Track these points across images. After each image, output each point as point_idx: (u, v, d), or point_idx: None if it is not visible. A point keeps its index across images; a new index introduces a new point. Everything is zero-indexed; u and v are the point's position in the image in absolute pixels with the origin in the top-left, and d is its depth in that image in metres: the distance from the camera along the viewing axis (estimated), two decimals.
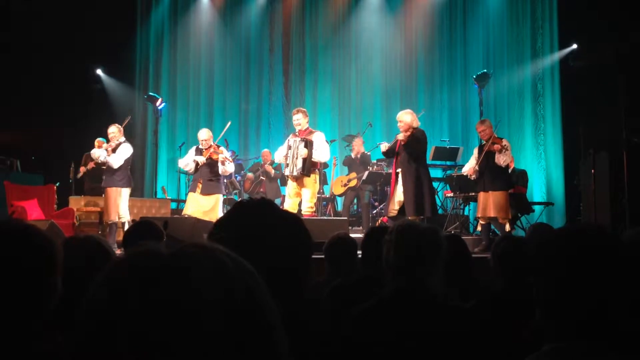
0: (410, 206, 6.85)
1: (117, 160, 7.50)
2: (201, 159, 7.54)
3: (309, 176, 7.11)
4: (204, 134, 7.65)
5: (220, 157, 7.46)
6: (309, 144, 7.04)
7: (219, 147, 7.66)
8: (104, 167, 7.68)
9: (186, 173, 9.32)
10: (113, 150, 7.52)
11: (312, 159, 7.11)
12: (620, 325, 1.14)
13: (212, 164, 7.53)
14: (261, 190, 10.40)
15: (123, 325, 0.59)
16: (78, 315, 0.63)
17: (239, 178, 10.54)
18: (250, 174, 10.75)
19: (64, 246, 1.49)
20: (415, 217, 6.62)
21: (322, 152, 7.17)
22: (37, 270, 1.26)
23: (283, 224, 1.30)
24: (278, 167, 10.39)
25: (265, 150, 10.93)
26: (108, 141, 7.72)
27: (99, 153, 7.60)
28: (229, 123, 8.24)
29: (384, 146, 7.42)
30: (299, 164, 7.02)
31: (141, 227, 3.30)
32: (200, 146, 7.64)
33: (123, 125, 7.84)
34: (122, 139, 7.68)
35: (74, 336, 0.63)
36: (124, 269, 0.64)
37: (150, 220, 3.94)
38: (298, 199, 7.27)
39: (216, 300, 0.61)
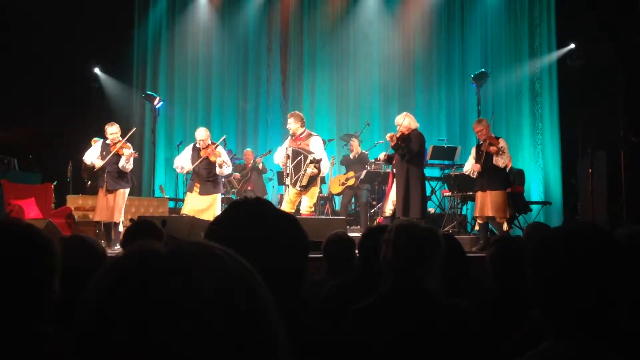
0: (399, 207, 6.93)
1: (129, 164, 7.45)
2: (188, 166, 7.48)
3: (310, 190, 7.16)
4: (201, 134, 7.55)
5: (218, 161, 7.37)
6: (319, 164, 7.00)
7: (216, 147, 7.57)
8: (100, 169, 7.51)
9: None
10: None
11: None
12: (620, 325, 1.14)
13: (209, 165, 7.46)
14: (249, 188, 10.38)
15: (122, 325, 0.59)
16: (77, 316, 0.62)
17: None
18: (236, 173, 10.71)
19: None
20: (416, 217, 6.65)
21: (323, 165, 7.16)
22: (36, 270, 1.27)
23: (279, 223, 1.30)
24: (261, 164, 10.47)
25: (248, 150, 10.94)
26: (105, 139, 7.59)
27: (122, 163, 7.37)
28: (224, 137, 8.18)
29: (383, 155, 7.48)
30: (304, 181, 6.99)
31: (140, 227, 3.30)
32: (197, 145, 7.57)
33: (127, 136, 7.64)
34: (122, 139, 7.58)
35: (73, 337, 0.62)
36: (121, 268, 0.63)
37: (148, 219, 3.94)
38: (298, 200, 7.28)
39: (216, 299, 0.61)
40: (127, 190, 7.56)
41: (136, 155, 7.60)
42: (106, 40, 11.20)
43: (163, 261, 0.63)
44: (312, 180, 7.07)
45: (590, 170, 8.36)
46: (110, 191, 7.40)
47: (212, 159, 7.40)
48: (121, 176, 7.45)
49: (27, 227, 1.31)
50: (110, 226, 7.48)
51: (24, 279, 1.24)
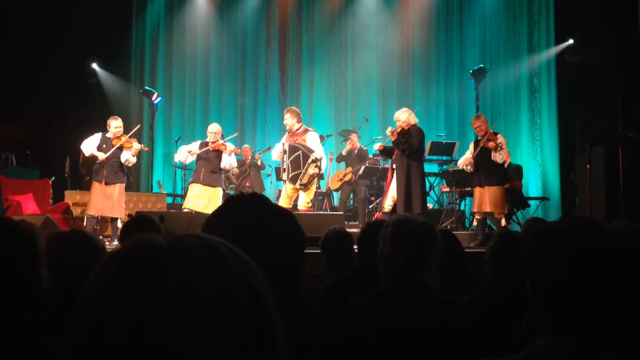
0: (400, 203, 6.93)
1: (135, 157, 7.49)
2: (195, 150, 7.56)
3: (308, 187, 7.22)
4: (214, 127, 7.76)
5: (229, 148, 7.60)
6: (319, 163, 7.09)
7: (225, 141, 7.78)
8: (99, 162, 7.45)
9: (182, 167, 9.32)
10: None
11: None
12: (618, 321, 1.14)
13: (217, 157, 7.60)
14: (247, 184, 10.38)
15: (120, 322, 0.58)
16: (74, 313, 0.61)
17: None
18: (235, 168, 10.71)
19: (54, 242, 1.49)
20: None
21: (322, 162, 7.24)
22: (19, 261, 1.26)
23: (276, 219, 1.29)
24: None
25: (246, 146, 10.92)
26: (105, 132, 7.54)
27: (126, 156, 7.40)
28: (236, 134, 8.32)
29: (378, 145, 7.47)
30: (305, 179, 7.06)
31: (138, 222, 3.29)
32: (207, 139, 7.72)
33: (132, 132, 7.66)
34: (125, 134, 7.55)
35: (72, 334, 0.61)
36: (120, 262, 0.62)
37: (146, 214, 3.93)
38: (295, 195, 7.30)
39: (216, 297, 0.60)
40: (124, 185, 7.56)
41: (146, 149, 7.70)
42: (104, 36, 11.17)
43: (162, 256, 0.62)
44: (312, 179, 7.14)
45: (588, 166, 8.37)
46: (108, 185, 7.33)
47: (221, 148, 7.57)
48: (121, 170, 7.44)
49: (5, 221, 1.32)
50: (95, 222, 7.45)
51: (7, 271, 1.24)
